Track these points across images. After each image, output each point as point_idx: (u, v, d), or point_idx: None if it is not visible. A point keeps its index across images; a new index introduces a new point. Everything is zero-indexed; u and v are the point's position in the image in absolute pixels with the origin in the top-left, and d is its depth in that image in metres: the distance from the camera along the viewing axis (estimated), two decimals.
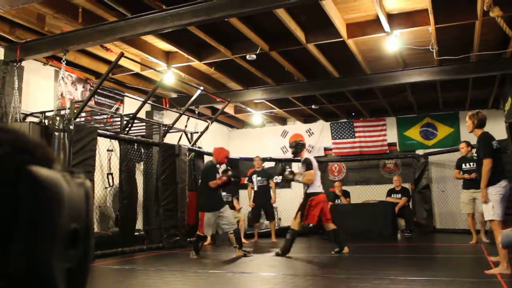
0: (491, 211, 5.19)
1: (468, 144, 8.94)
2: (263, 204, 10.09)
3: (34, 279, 0.42)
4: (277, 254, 7.36)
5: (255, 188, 10.20)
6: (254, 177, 10.27)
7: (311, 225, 8.12)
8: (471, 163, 8.63)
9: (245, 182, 10.90)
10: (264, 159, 11.76)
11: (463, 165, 8.93)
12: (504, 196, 5.24)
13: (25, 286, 0.42)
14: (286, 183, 11.93)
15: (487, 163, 5.24)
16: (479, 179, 5.46)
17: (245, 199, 10.70)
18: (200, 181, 8.06)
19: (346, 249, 7.39)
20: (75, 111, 7.35)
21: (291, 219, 7.72)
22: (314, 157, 13.52)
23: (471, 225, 8.64)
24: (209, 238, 9.64)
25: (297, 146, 7.72)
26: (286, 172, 7.78)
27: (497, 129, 11.07)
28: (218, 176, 7.46)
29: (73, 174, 0.49)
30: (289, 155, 13.64)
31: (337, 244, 7.45)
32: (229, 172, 7.53)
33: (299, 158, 7.82)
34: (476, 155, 5.67)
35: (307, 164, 7.46)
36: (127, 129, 8.80)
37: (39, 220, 0.43)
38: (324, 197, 7.44)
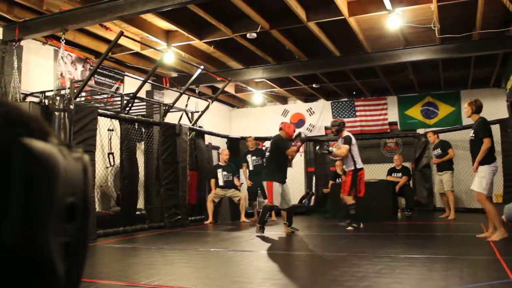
0: (484, 185, 5.92)
1: (434, 132, 10.37)
2: (259, 183, 10.08)
3: (29, 251, 0.42)
4: (354, 228, 7.71)
5: (251, 168, 10.19)
6: (249, 157, 10.25)
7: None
8: (438, 149, 9.92)
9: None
10: (266, 139, 11.77)
11: (434, 151, 10.20)
12: (495, 175, 6.09)
13: (20, 259, 0.41)
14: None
15: (487, 142, 5.99)
16: (474, 158, 6.17)
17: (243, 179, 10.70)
18: (268, 154, 8.18)
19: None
20: (75, 90, 7.32)
21: (343, 196, 7.97)
22: (315, 136, 13.65)
23: (444, 202, 9.96)
24: (210, 217, 9.69)
25: (340, 125, 8.10)
26: (324, 145, 8.25)
27: (498, 108, 11.06)
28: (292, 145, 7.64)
29: (70, 149, 0.49)
30: None
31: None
32: (302, 135, 7.76)
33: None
34: (473, 135, 6.23)
35: (346, 140, 7.82)
36: (127, 108, 8.78)
37: (33, 193, 0.42)
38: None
